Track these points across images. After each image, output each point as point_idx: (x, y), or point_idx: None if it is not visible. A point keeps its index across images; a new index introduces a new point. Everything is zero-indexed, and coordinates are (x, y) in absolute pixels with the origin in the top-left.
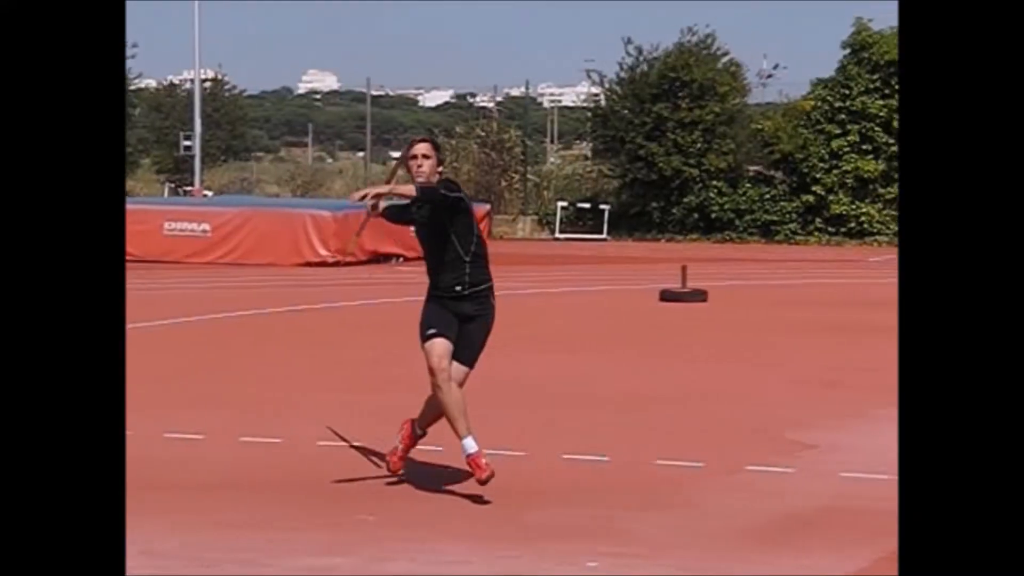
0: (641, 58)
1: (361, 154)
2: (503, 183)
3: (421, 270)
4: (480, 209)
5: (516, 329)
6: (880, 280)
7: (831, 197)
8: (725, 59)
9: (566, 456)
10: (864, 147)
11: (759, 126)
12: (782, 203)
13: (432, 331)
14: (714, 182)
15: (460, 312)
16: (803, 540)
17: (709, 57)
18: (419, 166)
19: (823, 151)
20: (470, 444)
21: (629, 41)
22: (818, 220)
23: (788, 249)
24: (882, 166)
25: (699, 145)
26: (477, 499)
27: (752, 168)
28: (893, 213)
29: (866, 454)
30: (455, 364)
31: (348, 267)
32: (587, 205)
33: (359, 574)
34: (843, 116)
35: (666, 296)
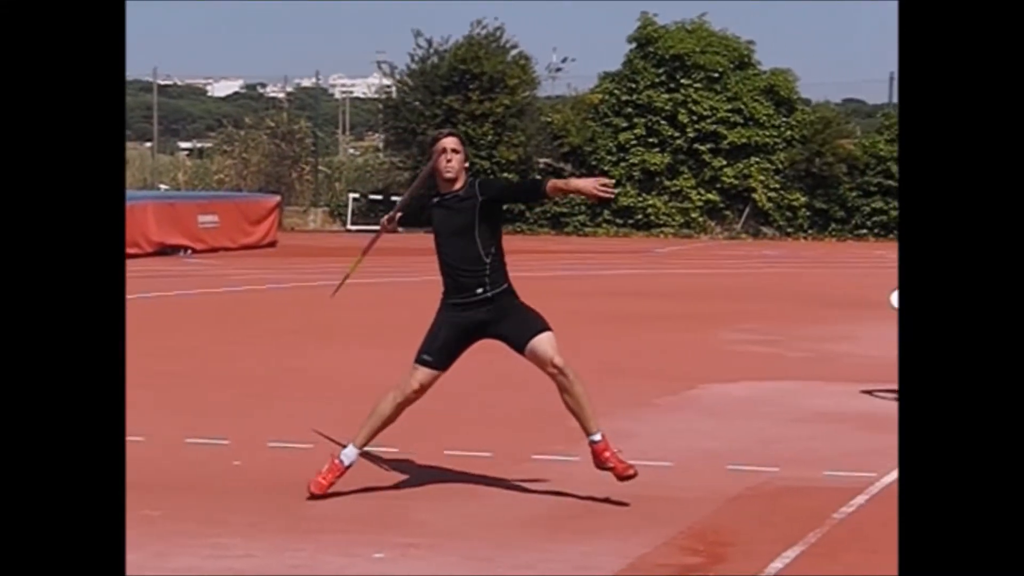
0: (432, 50)
1: (148, 144)
2: (293, 174)
3: (210, 262)
4: (270, 201)
5: (307, 321)
6: (666, 271)
7: (619, 189)
8: (515, 52)
9: None
10: (651, 140)
11: (549, 119)
12: (571, 195)
13: (428, 358)
14: (505, 174)
15: (479, 318)
16: (586, 527)
17: (499, 50)
18: (448, 160)
19: (611, 144)
20: (350, 455)
21: (419, 33)
22: (606, 212)
23: (577, 240)
24: (668, 159)
25: (490, 137)
26: (262, 493)
27: (542, 160)
28: (679, 205)
29: (648, 442)
30: (535, 340)
31: (134, 258)
32: (379, 197)
33: (140, 573)
34: (630, 109)
35: None
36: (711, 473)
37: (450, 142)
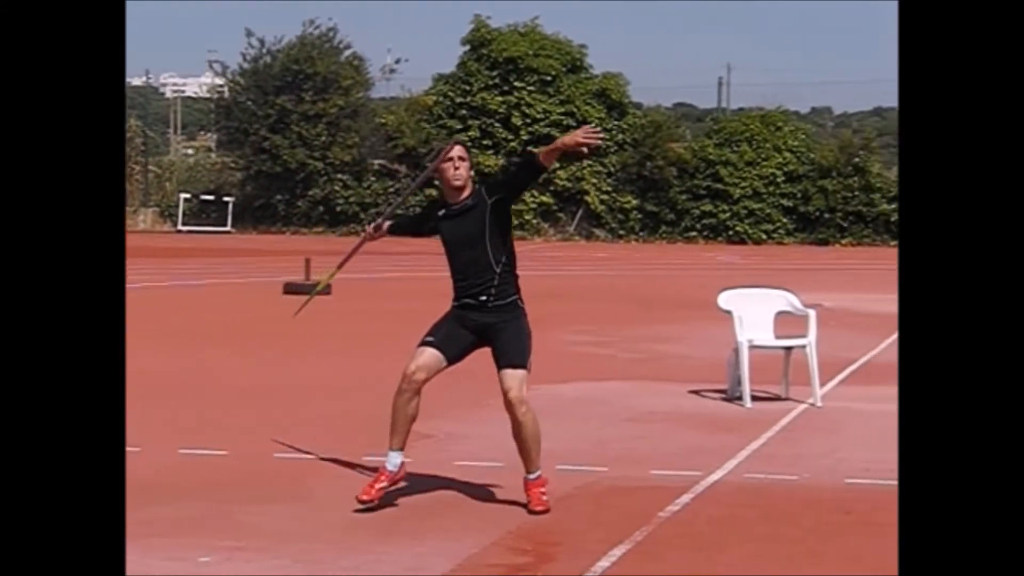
0: (264, 50)
1: None
2: None
3: None
4: None
5: (134, 323)
6: None
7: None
8: (348, 52)
9: (183, 451)
10: (485, 142)
11: (383, 120)
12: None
13: (430, 339)
14: (339, 175)
15: (481, 323)
16: (417, 528)
17: (332, 50)
18: (456, 168)
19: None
20: (395, 459)
21: (251, 33)
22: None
23: (412, 242)
24: (502, 161)
25: (323, 138)
26: None
27: (377, 162)
28: (512, 207)
29: (481, 442)
30: (507, 371)
31: None
32: (211, 197)
33: None
34: (464, 111)
35: (289, 289)
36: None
37: (458, 150)
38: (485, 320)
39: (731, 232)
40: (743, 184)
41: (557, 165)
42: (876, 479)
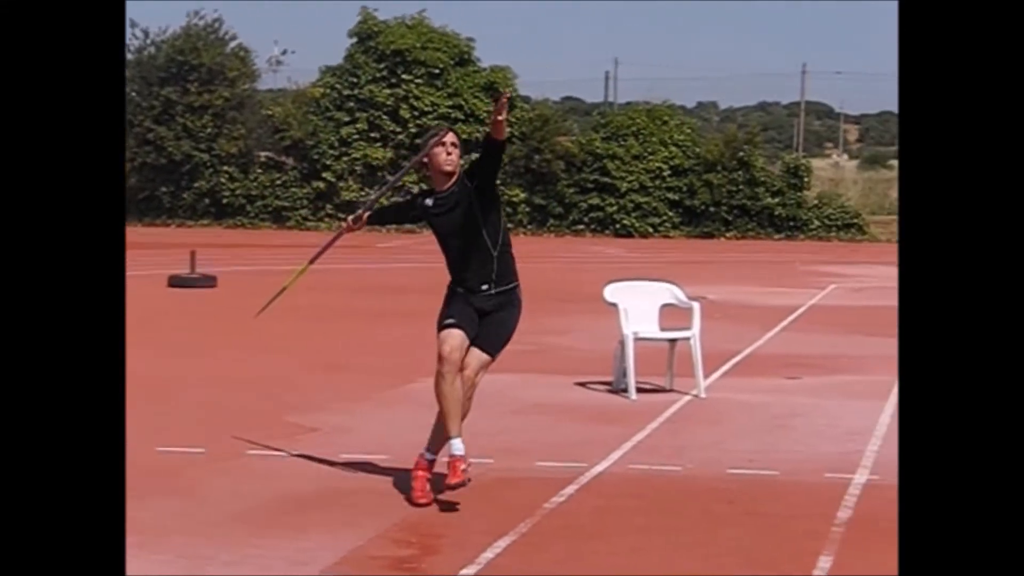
0: (148, 41)
1: None
2: None
3: None
4: None
5: None
6: (389, 265)
7: (341, 184)
8: (234, 44)
9: None
10: (373, 135)
11: (269, 112)
12: (293, 189)
13: (451, 320)
14: (225, 167)
15: (483, 307)
16: (300, 522)
17: (217, 41)
18: (449, 153)
19: (333, 138)
20: (459, 446)
21: (135, 24)
22: (329, 206)
23: (299, 235)
24: (390, 154)
25: (209, 130)
26: None
27: (263, 154)
28: (400, 200)
29: (366, 436)
30: (475, 350)
31: None
32: None
33: None
34: (352, 104)
35: (174, 282)
36: None
37: (451, 136)
38: (486, 307)
39: (618, 225)
40: (630, 178)
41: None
42: (758, 469)
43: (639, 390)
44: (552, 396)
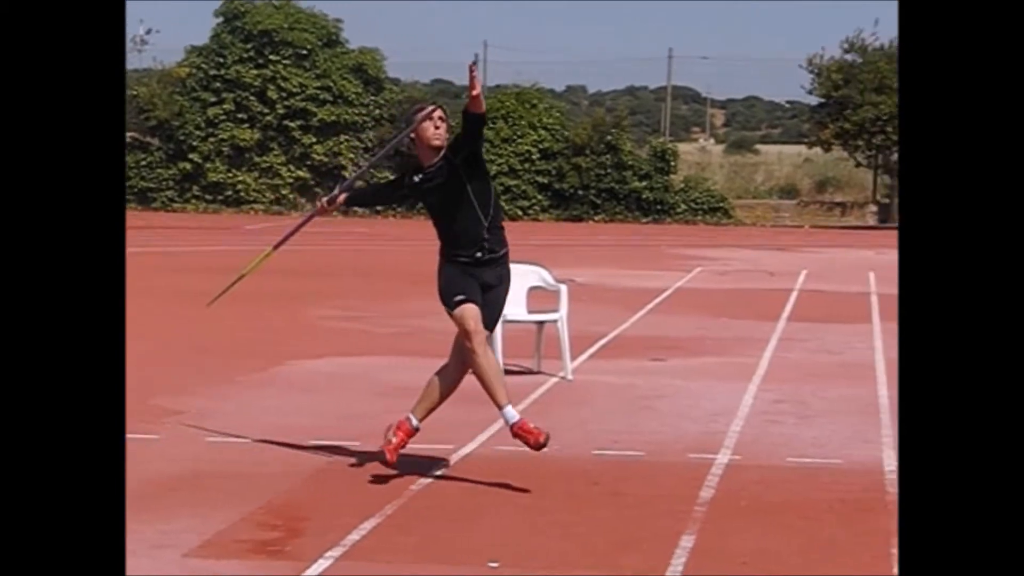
0: None
1: None
2: None
3: None
4: None
5: None
6: (256, 248)
7: (208, 165)
8: None
9: None
10: (240, 116)
11: (135, 92)
12: (159, 170)
13: (461, 296)
14: None
15: (481, 279)
16: (163, 505)
17: None
18: (437, 128)
19: (199, 119)
20: (512, 413)
21: None
22: (195, 187)
23: (165, 216)
24: (257, 135)
25: None
26: None
27: (129, 134)
28: (269, 182)
29: (231, 418)
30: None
31: None
32: None
33: None
34: (218, 84)
35: None
36: (293, 448)
37: (439, 111)
38: (483, 277)
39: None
40: (499, 161)
41: (314, 140)
42: (623, 450)
43: (507, 372)
44: (419, 379)
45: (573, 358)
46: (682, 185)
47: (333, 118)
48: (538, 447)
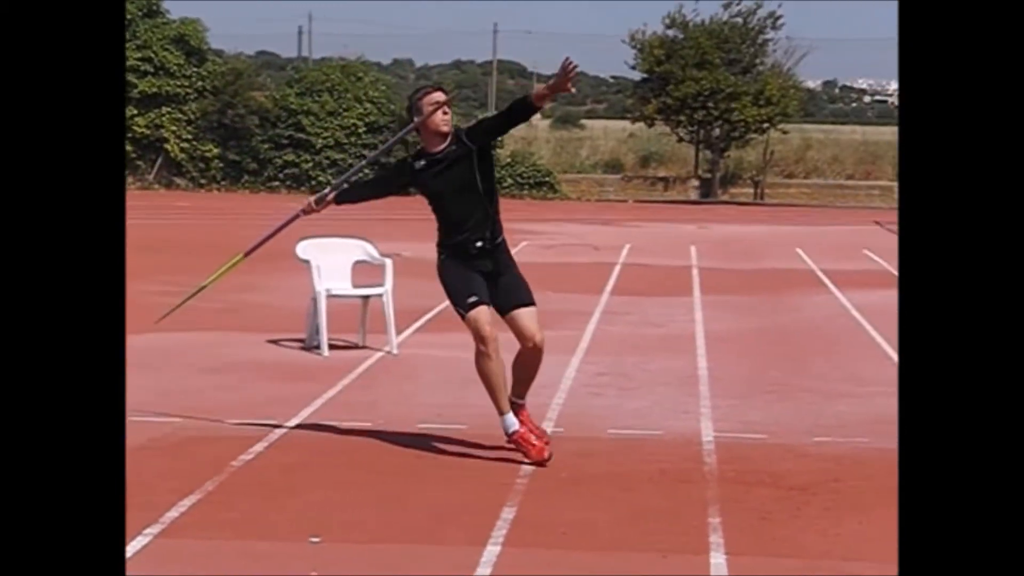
0: None
1: None
2: None
3: None
4: None
5: None
6: None
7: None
8: None
9: None
10: None
11: None
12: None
13: (474, 299)
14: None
15: (484, 270)
16: None
17: None
18: (444, 113)
19: None
20: (512, 421)
21: None
22: None
23: None
24: None
25: None
26: None
27: None
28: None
29: None
30: (522, 312)
31: None
32: None
33: None
34: None
35: None
36: None
37: (442, 95)
38: (486, 267)
39: (314, 182)
40: (325, 134)
41: (135, 112)
42: (448, 423)
43: (332, 347)
44: (244, 354)
45: (399, 332)
46: (508, 160)
47: (154, 90)
48: (538, 463)
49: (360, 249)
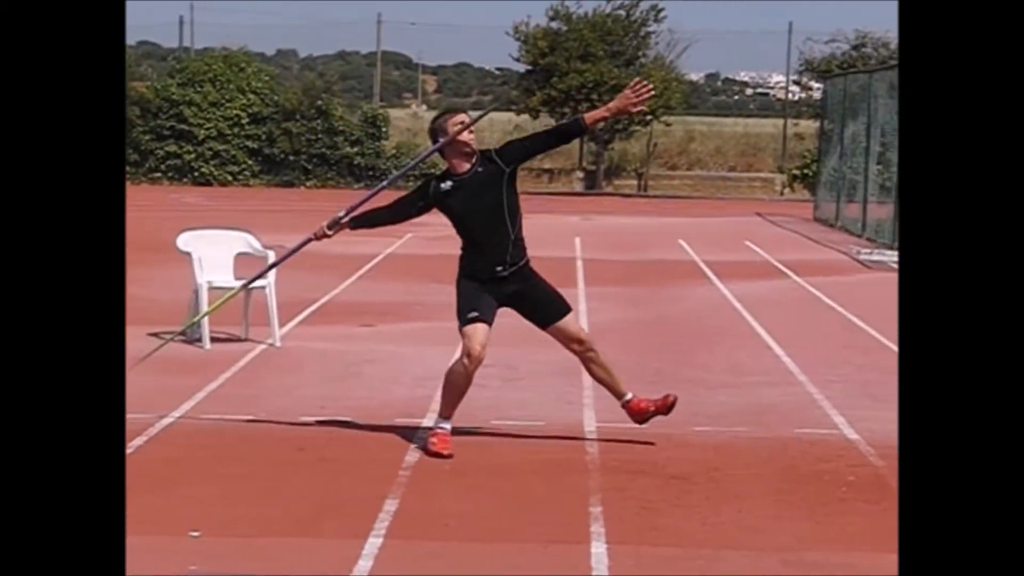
0: None
1: None
2: None
3: None
4: None
5: None
6: None
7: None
8: None
9: None
10: None
11: None
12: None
13: (474, 314)
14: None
15: (503, 292)
16: None
17: None
18: (471, 133)
19: None
20: (446, 425)
21: None
22: None
23: None
24: None
25: None
26: None
27: None
28: None
29: None
30: (561, 321)
31: None
32: None
33: None
34: None
35: None
36: None
37: (467, 117)
38: (505, 290)
39: (196, 173)
40: (207, 125)
41: None
42: (331, 416)
43: (213, 339)
44: (128, 348)
45: (282, 325)
46: (394, 151)
47: None
48: (446, 454)
49: (242, 241)
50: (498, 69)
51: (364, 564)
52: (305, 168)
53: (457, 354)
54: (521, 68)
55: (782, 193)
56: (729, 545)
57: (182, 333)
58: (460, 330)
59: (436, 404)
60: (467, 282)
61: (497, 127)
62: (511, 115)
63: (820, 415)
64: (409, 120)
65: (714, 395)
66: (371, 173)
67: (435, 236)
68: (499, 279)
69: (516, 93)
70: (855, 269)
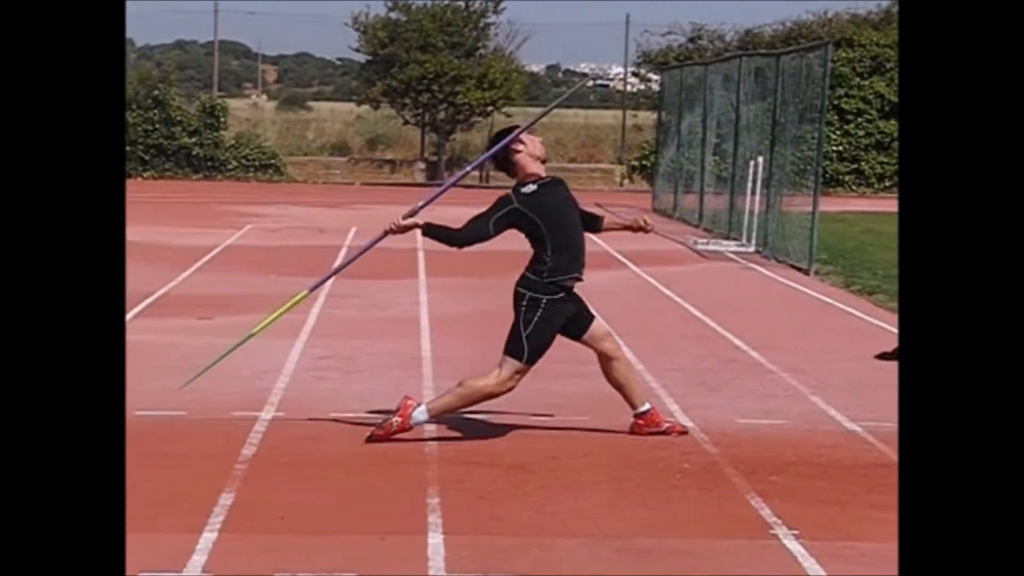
0: None
1: None
2: None
3: None
4: None
5: None
6: None
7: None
8: None
9: None
10: None
11: None
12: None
13: (538, 359)
14: None
15: (569, 312)
16: None
17: None
18: (517, 151)
19: None
20: (419, 418)
21: None
22: None
23: None
24: None
25: None
26: None
27: None
28: None
29: None
30: (596, 321)
31: None
32: None
33: None
34: None
35: None
36: None
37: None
38: (574, 298)
39: None
40: None
41: None
42: (167, 410)
43: None
44: None
45: None
46: (233, 142)
47: None
48: (372, 441)
49: None
50: (339, 59)
51: (198, 559)
52: (142, 158)
53: (492, 379)
54: (361, 59)
55: (621, 184)
56: (565, 533)
57: (249, 336)
58: (518, 361)
59: (274, 397)
60: (554, 306)
61: (339, 117)
62: (352, 105)
63: (656, 404)
64: (249, 110)
65: (556, 384)
66: (210, 164)
67: (275, 227)
68: (578, 280)
69: (356, 84)
70: (692, 259)
